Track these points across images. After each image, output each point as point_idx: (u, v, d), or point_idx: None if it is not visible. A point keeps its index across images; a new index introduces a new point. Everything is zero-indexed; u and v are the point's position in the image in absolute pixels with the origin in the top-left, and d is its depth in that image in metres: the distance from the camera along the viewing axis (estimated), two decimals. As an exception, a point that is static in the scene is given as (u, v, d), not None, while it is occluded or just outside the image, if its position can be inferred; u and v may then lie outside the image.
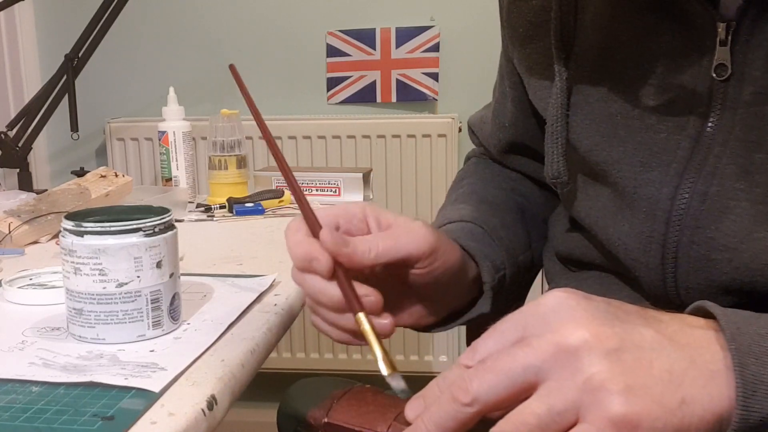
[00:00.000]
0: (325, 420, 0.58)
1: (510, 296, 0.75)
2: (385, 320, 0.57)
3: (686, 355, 0.44)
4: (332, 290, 0.57)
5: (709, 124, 0.58)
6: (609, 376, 0.42)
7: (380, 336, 0.55)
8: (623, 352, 0.43)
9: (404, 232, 0.60)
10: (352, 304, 0.56)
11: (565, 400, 0.42)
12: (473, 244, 0.70)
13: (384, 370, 0.53)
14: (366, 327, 0.55)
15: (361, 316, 0.55)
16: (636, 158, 0.62)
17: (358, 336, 0.57)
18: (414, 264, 0.61)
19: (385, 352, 0.54)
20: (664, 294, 0.62)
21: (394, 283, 0.62)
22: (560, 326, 0.44)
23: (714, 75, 0.57)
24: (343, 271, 0.57)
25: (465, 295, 0.70)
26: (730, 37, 0.56)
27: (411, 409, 0.48)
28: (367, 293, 0.57)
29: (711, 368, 0.44)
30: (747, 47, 0.56)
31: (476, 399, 0.44)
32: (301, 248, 0.58)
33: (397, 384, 0.53)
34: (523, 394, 0.44)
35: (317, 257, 0.57)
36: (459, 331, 1.89)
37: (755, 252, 0.57)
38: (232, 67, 0.68)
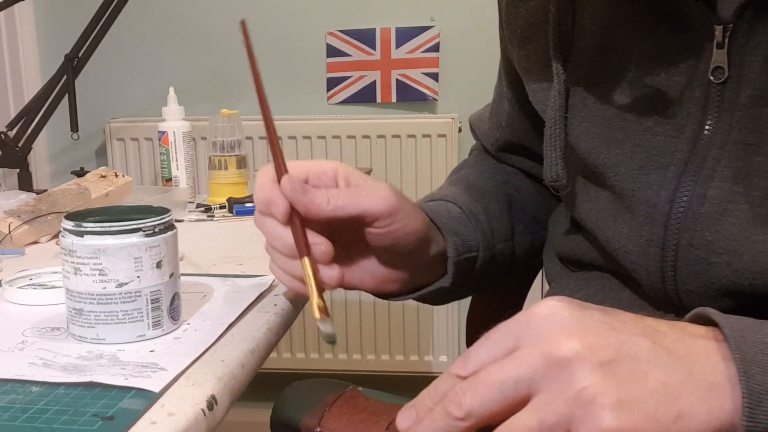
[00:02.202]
0: (318, 429, 0.58)
1: (483, 281, 0.75)
2: (332, 270, 0.59)
3: (684, 367, 0.43)
4: (286, 236, 0.59)
5: (707, 127, 0.58)
6: (601, 390, 0.41)
7: (324, 284, 0.57)
8: (617, 364, 0.42)
9: (366, 190, 0.62)
10: (301, 248, 0.58)
11: (557, 413, 0.42)
12: (444, 220, 0.71)
13: (316, 313, 0.55)
14: (308, 270, 0.57)
15: (306, 260, 0.57)
16: (634, 161, 0.62)
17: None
18: (372, 222, 0.62)
19: (321, 298, 0.56)
20: (664, 296, 0.62)
21: (356, 241, 0.64)
22: (552, 337, 0.43)
23: (711, 77, 0.57)
24: (300, 219, 0.59)
25: (430, 270, 0.71)
26: (727, 40, 0.56)
27: (402, 420, 0.47)
28: (319, 242, 0.59)
29: (710, 380, 0.43)
30: (744, 49, 0.56)
31: (470, 413, 0.43)
32: (262, 192, 0.60)
33: (325, 328, 0.55)
34: (516, 406, 0.43)
35: (276, 201, 0.59)
36: (459, 332, 1.89)
37: (754, 255, 0.56)
38: (242, 23, 0.69)
